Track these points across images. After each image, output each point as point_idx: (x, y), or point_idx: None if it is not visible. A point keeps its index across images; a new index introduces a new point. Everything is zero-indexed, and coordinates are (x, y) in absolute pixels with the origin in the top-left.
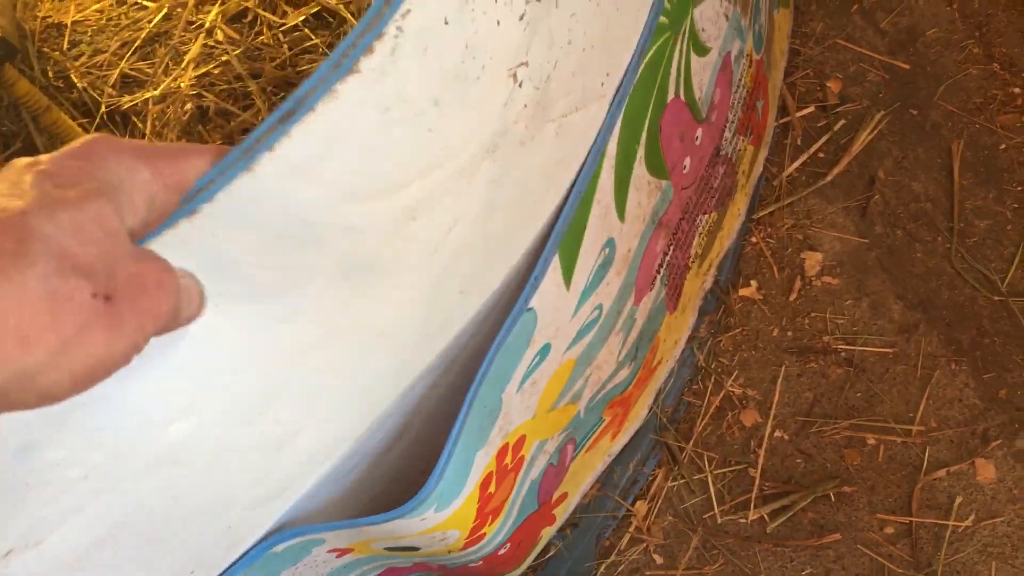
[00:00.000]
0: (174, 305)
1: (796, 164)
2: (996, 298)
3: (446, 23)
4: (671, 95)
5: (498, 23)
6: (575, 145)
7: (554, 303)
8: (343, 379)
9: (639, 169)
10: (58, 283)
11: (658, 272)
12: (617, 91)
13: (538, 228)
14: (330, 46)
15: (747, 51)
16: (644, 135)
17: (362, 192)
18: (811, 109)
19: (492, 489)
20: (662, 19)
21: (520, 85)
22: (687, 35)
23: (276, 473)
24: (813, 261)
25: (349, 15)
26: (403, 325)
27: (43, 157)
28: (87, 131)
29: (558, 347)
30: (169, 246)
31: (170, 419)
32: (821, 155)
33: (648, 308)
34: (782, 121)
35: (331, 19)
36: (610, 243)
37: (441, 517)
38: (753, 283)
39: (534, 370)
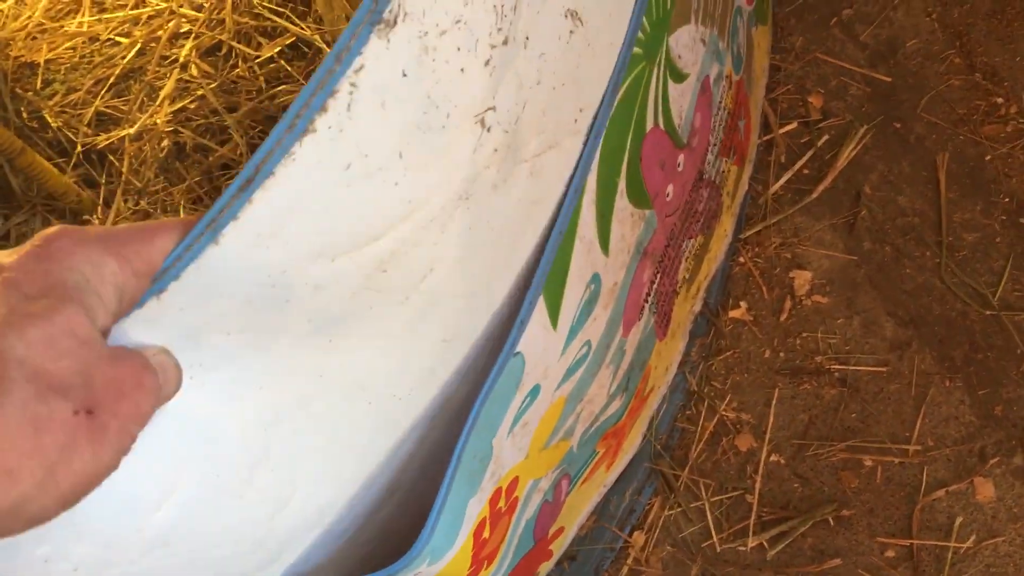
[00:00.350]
0: (156, 403)
1: (781, 182)
2: (987, 312)
3: (404, 75)
4: (650, 124)
5: (462, 70)
6: (551, 183)
7: (541, 345)
8: (326, 438)
9: (621, 201)
10: (37, 407)
11: (646, 301)
12: (592, 125)
13: (519, 269)
14: (306, 76)
15: (726, 73)
16: (624, 167)
17: (329, 250)
18: (794, 125)
19: (486, 535)
20: (636, 49)
21: (488, 130)
22: (663, 63)
23: (269, 542)
24: (802, 280)
25: (324, 45)
26: (382, 377)
27: (5, 261)
28: (63, 171)
29: (548, 387)
30: (139, 324)
31: (156, 501)
32: (806, 171)
33: (637, 338)
34: (765, 138)
35: (306, 49)
36: (595, 279)
37: (435, 570)
38: (743, 304)
39: (524, 412)
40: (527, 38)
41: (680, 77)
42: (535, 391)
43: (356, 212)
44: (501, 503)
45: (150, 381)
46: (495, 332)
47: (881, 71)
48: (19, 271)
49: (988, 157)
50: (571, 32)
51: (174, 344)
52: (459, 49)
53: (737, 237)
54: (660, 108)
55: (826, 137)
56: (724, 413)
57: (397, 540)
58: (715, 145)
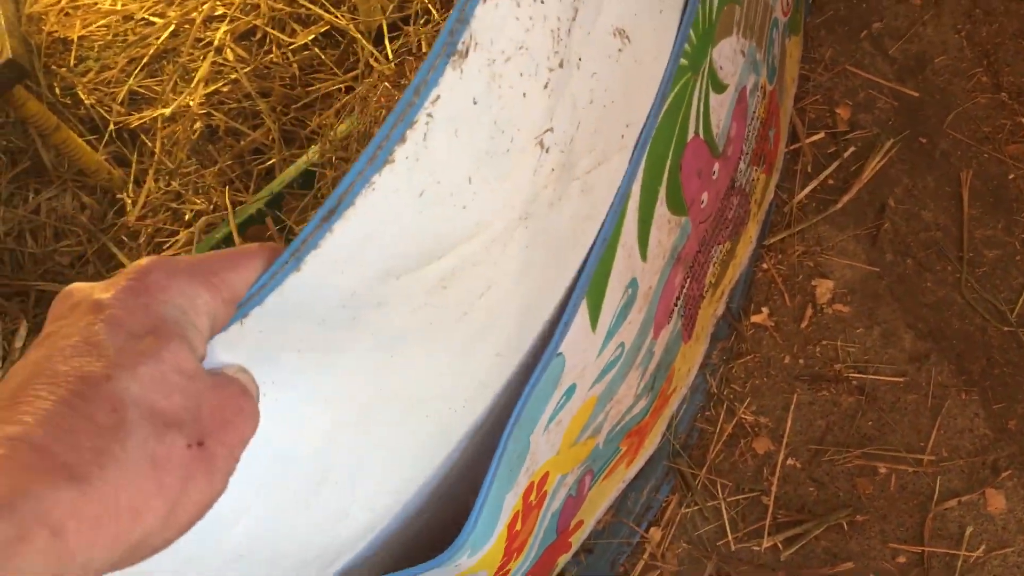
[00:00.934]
0: (255, 425)
1: (806, 191)
2: (1006, 328)
3: (475, 103)
4: (691, 134)
5: (524, 95)
6: (601, 198)
7: (581, 346)
8: (386, 450)
9: (660, 209)
10: (156, 446)
11: (675, 305)
12: (639, 139)
13: (568, 281)
14: (339, 64)
15: (761, 83)
16: (665, 175)
17: (397, 270)
18: (821, 135)
19: (518, 527)
20: (683, 61)
21: (547, 151)
22: (706, 74)
23: (331, 549)
24: (824, 289)
25: (358, 34)
26: (439, 390)
27: (104, 297)
28: (95, 148)
29: (583, 387)
30: (219, 346)
31: (234, 517)
32: (831, 182)
33: (665, 340)
34: (792, 147)
35: (340, 38)
36: (633, 283)
37: (472, 561)
38: (765, 310)
39: (560, 410)
40: (580, 59)
41: (721, 88)
42: (571, 390)
43: (426, 235)
44: (532, 497)
45: (249, 406)
46: (542, 336)
47: (909, 86)
48: (120, 308)
49: (1011, 176)
50: (619, 50)
51: (251, 364)
52: (521, 74)
53: (761, 243)
54: (701, 118)
55: (852, 149)
56: (743, 416)
57: (437, 532)
58: (747, 154)
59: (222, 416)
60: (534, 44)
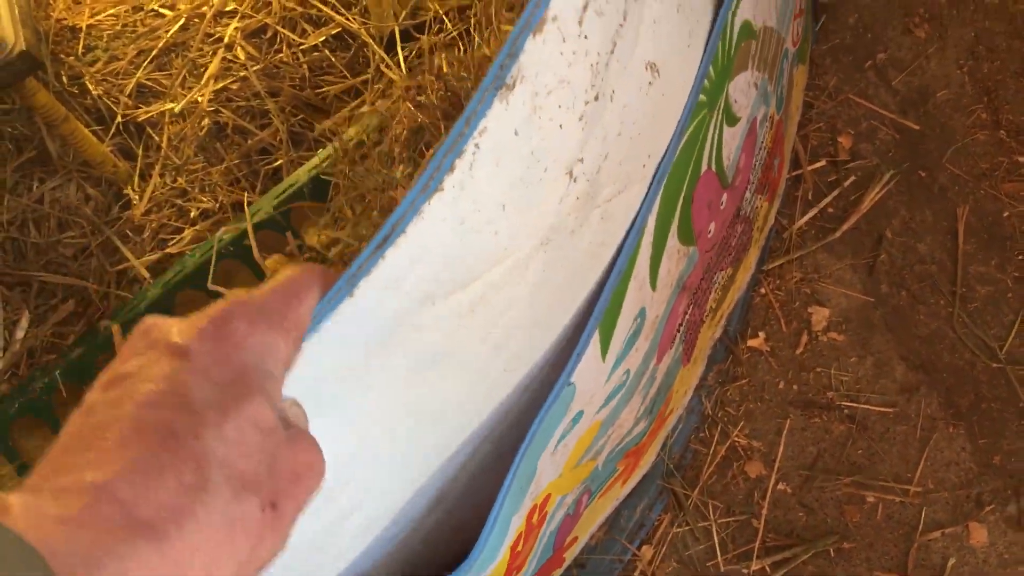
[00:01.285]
0: (322, 480)
1: (806, 218)
2: (994, 365)
3: (516, 134)
4: (704, 167)
5: (561, 127)
6: (617, 225)
7: (591, 375)
8: (399, 458)
9: (671, 241)
10: (234, 509)
11: (678, 331)
12: (657, 170)
13: (580, 303)
14: (348, 67)
15: (770, 113)
16: (678, 208)
17: (435, 295)
18: (822, 163)
19: (520, 547)
20: (701, 97)
21: (575, 180)
22: (722, 109)
23: (333, 547)
24: (820, 316)
25: (369, 38)
26: (456, 405)
27: (187, 343)
28: (101, 139)
29: (589, 413)
30: None
31: None
32: (830, 210)
33: (667, 365)
34: (794, 173)
35: (351, 40)
36: (642, 312)
37: None
38: (761, 334)
39: (566, 435)
40: (613, 92)
41: (734, 121)
42: (579, 416)
43: (463, 260)
44: (535, 518)
45: (318, 462)
46: (550, 360)
47: (911, 118)
48: (205, 357)
49: (1006, 214)
50: (650, 83)
51: (299, 393)
52: (560, 107)
53: (760, 268)
54: (714, 151)
55: (852, 178)
56: (736, 439)
57: (442, 546)
58: (753, 183)
59: (294, 473)
60: (575, 78)
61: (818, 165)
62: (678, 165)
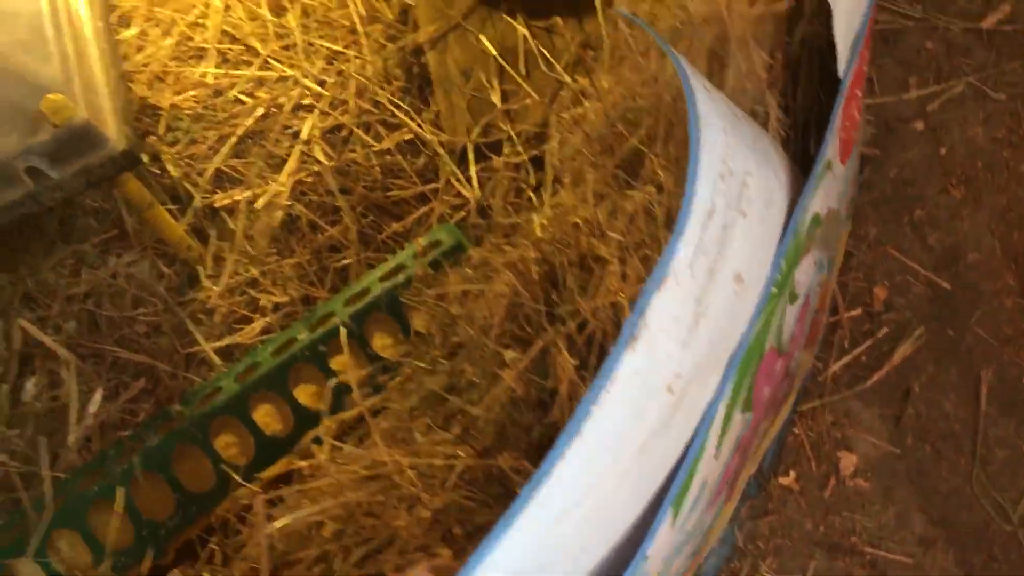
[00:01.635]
0: None
1: (841, 363)
2: (1007, 528)
3: (636, 373)
4: (768, 346)
5: (668, 355)
6: (694, 416)
7: (662, 543)
8: None
9: (736, 415)
10: None
11: (727, 482)
12: (730, 360)
13: (655, 486)
14: (419, 175)
15: (822, 279)
16: (745, 387)
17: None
18: (859, 311)
19: None
20: (773, 289)
21: (672, 393)
22: (787, 292)
23: None
24: (848, 462)
25: (440, 148)
26: None
27: None
28: (175, 218)
29: (653, 570)
30: None
31: None
32: (863, 359)
33: (714, 512)
34: (831, 319)
35: (421, 146)
36: (705, 484)
37: None
38: (792, 473)
39: None
40: (708, 308)
41: (795, 299)
42: None
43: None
44: None
45: None
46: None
47: (943, 277)
48: None
49: None
50: (735, 293)
51: None
52: (669, 338)
53: (795, 409)
54: (777, 330)
55: (886, 329)
56: (764, 574)
57: None
58: (801, 342)
59: None
60: (682, 312)
61: (855, 313)
62: (749, 351)
